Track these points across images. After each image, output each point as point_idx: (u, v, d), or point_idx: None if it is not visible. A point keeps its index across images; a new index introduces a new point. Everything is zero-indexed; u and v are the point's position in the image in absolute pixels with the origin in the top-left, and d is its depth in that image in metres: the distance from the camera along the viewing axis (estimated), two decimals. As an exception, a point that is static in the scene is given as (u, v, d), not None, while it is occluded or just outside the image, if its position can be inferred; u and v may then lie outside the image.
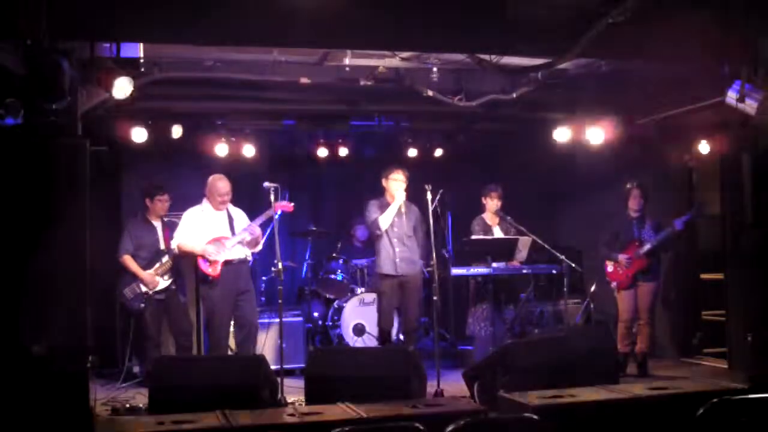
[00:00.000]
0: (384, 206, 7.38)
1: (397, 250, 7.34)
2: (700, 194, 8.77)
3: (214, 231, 7.06)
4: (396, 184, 7.34)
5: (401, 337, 7.86)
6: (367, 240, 9.30)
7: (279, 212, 6.96)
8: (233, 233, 7.05)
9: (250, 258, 7.19)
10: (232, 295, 6.98)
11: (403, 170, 7.42)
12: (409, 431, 3.57)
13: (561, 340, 6.20)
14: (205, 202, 7.17)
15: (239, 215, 7.21)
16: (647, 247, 7.54)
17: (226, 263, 6.96)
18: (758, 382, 5.60)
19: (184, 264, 7.51)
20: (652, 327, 7.76)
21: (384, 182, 7.43)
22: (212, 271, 6.93)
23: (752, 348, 7.34)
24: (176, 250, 7.18)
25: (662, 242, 7.55)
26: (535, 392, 4.95)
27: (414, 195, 7.39)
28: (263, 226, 7.15)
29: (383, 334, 7.50)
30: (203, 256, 6.93)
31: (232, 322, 7.09)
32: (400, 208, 7.38)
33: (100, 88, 5.47)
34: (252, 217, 7.19)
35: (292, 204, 7.15)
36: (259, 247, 7.27)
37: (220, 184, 7.07)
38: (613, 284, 7.72)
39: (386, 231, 7.35)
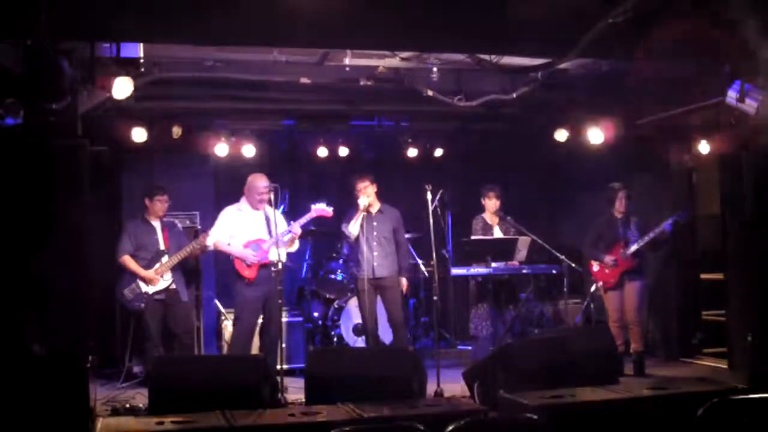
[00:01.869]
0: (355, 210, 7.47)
1: (375, 253, 7.40)
2: (699, 194, 8.78)
3: (251, 231, 7.12)
4: (359, 192, 7.43)
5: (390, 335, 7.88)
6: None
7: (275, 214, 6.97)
8: (270, 234, 7.08)
9: (284, 260, 7.15)
10: (263, 298, 7.05)
11: (364, 177, 7.48)
12: (409, 431, 3.57)
13: (561, 340, 6.19)
14: (243, 201, 7.22)
15: (276, 216, 7.19)
16: (633, 247, 7.54)
17: (263, 266, 7.03)
18: (758, 382, 5.61)
19: (186, 264, 7.54)
20: (643, 326, 7.76)
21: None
22: (249, 273, 7.02)
23: (752, 348, 7.35)
24: (211, 247, 7.24)
25: (649, 243, 7.54)
26: (535, 392, 4.95)
27: (414, 195, 7.40)
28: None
29: (369, 337, 7.54)
30: (241, 259, 7.02)
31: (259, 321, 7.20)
32: (372, 212, 7.47)
33: (100, 88, 5.47)
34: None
35: (331, 209, 7.28)
36: (295, 247, 7.37)
37: (260, 182, 7.11)
38: (600, 284, 7.74)
39: (361, 236, 7.43)
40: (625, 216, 7.70)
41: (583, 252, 8.00)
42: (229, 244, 7.13)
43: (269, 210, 7.14)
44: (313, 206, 7.25)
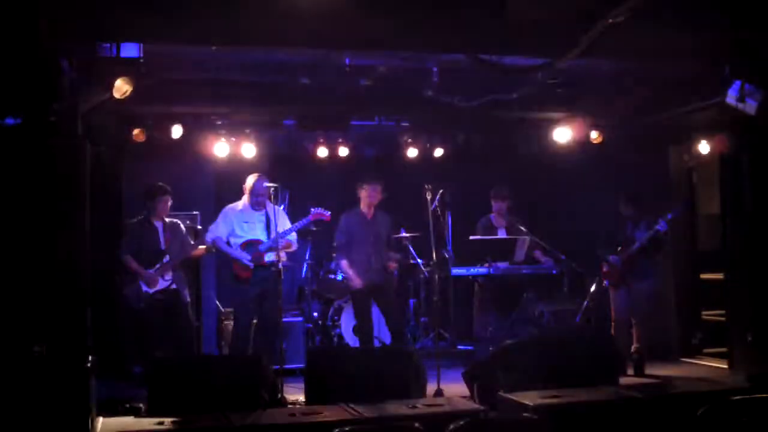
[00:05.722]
0: (355, 216, 7.51)
1: (372, 259, 7.43)
2: (699, 194, 8.78)
3: (250, 231, 7.16)
4: (370, 199, 7.51)
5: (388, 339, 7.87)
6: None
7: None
8: (268, 235, 7.10)
9: (283, 259, 7.16)
10: (259, 297, 7.08)
11: (377, 182, 7.55)
12: (409, 431, 3.58)
13: (561, 340, 6.21)
14: (244, 200, 7.26)
15: (278, 215, 7.14)
16: (635, 246, 7.55)
17: (260, 266, 7.07)
18: (758, 382, 5.62)
19: (187, 264, 7.55)
20: (646, 327, 7.75)
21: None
22: (245, 273, 7.08)
23: (752, 348, 7.35)
24: (210, 244, 7.27)
25: (648, 242, 7.54)
26: (535, 392, 4.96)
27: (414, 195, 7.39)
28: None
29: (363, 340, 7.53)
30: (237, 261, 7.08)
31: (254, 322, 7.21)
32: (369, 217, 7.50)
33: (100, 88, 5.47)
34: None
35: (329, 213, 7.31)
36: (294, 248, 7.42)
37: (257, 183, 7.14)
38: (605, 283, 7.79)
39: (358, 241, 7.45)
40: (636, 216, 7.69)
41: (596, 253, 8.01)
42: (228, 243, 7.17)
43: (271, 209, 7.15)
44: (312, 209, 7.26)
